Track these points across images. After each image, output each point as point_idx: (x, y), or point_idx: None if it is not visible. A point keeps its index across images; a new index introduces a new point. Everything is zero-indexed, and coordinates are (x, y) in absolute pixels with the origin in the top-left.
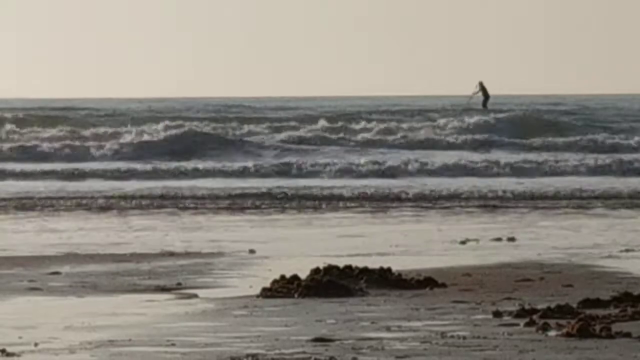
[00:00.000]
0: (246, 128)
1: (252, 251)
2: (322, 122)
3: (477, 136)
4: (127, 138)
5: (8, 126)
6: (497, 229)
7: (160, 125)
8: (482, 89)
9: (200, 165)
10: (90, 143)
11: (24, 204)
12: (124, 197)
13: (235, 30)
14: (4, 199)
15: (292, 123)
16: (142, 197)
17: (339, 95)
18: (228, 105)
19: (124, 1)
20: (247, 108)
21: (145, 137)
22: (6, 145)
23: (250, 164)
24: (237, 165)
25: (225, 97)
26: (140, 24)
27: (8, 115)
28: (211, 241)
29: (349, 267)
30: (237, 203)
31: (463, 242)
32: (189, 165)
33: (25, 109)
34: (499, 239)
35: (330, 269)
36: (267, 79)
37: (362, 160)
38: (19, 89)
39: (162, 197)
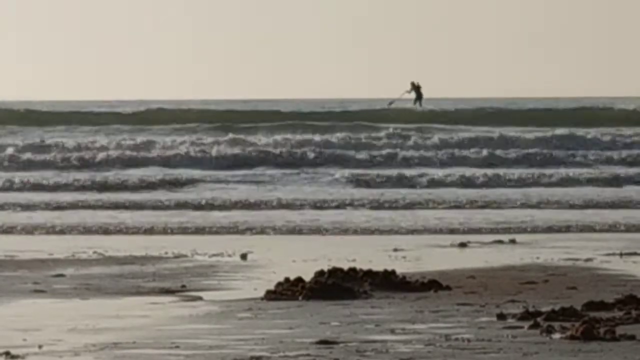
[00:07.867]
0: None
1: (244, 256)
2: None
3: None
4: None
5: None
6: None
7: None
8: (416, 88)
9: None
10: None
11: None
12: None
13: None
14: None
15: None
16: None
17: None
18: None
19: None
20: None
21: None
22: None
23: None
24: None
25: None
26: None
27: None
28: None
29: (353, 270)
30: None
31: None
32: None
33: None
34: (500, 241)
35: (334, 271)
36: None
37: None
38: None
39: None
